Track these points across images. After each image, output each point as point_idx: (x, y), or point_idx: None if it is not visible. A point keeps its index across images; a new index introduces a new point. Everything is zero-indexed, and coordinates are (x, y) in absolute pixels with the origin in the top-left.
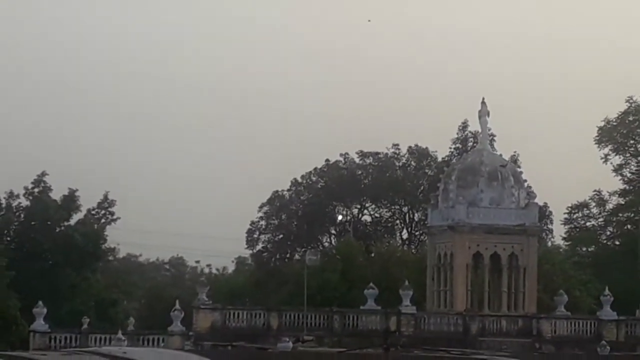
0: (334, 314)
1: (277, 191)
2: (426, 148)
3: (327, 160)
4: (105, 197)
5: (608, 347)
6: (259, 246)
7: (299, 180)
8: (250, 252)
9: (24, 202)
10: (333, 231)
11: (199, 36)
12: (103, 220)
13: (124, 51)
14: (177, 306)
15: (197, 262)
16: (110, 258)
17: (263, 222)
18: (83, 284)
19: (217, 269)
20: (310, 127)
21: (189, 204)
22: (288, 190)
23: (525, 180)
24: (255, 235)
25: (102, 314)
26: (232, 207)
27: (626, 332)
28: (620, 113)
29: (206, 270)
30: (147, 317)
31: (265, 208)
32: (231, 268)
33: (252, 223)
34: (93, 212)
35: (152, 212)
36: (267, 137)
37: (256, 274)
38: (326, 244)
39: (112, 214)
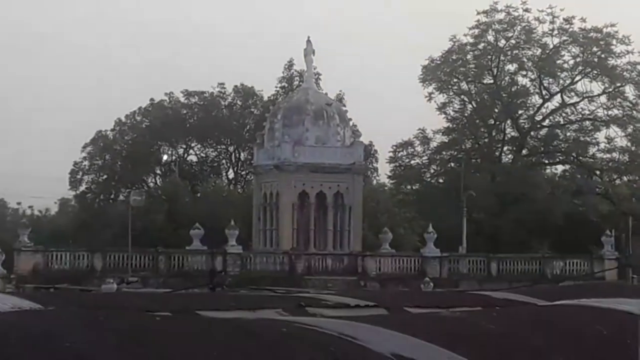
0: (159, 255)
1: (100, 131)
2: (252, 87)
3: (151, 99)
4: None
5: (431, 284)
6: (83, 187)
7: (123, 120)
8: (74, 193)
9: None
10: (158, 171)
11: None
12: None
13: None
14: None
15: (19, 203)
16: None
17: (86, 163)
18: None
19: (40, 211)
20: (134, 66)
21: (9, 144)
22: (112, 130)
23: (351, 119)
24: (79, 176)
25: None
26: (54, 148)
27: (449, 269)
28: (444, 52)
29: (28, 212)
30: None
31: (89, 148)
32: (54, 210)
33: (76, 164)
34: None
35: None
36: (89, 76)
37: (80, 216)
38: (151, 185)
39: None
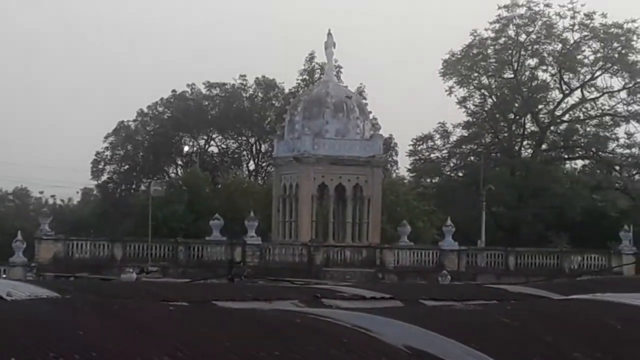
0: (179, 245)
1: (122, 121)
2: (273, 79)
3: (173, 90)
4: None
5: (449, 277)
6: (105, 177)
7: (145, 110)
8: (96, 182)
9: None
10: (179, 162)
11: None
12: None
13: None
14: (19, 237)
15: (41, 192)
16: None
17: (108, 153)
18: None
19: (62, 200)
20: (157, 57)
21: (33, 134)
22: (134, 120)
23: (371, 112)
24: (101, 166)
25: None
26: (77, 138)
27: (467, 262)
28: (464, 46)
29: (50, 201)
30: None
31: (111, 138)
32: (76, 199)
33: (98, 154)
34: None
35: None
36: (112, 66)
37: (102, 205)
38: (172, 175)
39: None
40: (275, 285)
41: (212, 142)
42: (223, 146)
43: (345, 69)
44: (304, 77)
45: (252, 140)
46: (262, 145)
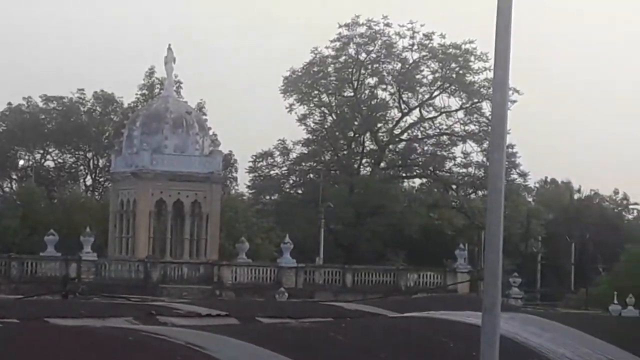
0: (12, 261)
1: None
2: (112, 94)
3: (9, 103)
4: None
5: (286, 294)
6: None
7: None
8: None
9: None
10: (14, 176)
11: None
12: None
13: None
14: None
15: None
16: None
17: None
18: None
19: None
20: None
21: None
22: None
23: (210, 128)
24: None
25: None
26: None
27: (305, 279)
28: (305, 64)
29: None
30: None
31: None
32: None
33: None
34: None
35: None
36: None
37: None
38: (7, 190)
39: None
40: (110, 302)
41: (48, 157)
42: (60, 160)
43: (185, 84)
44: (144, 91)
45: (90, 155)
46: (100, 160)
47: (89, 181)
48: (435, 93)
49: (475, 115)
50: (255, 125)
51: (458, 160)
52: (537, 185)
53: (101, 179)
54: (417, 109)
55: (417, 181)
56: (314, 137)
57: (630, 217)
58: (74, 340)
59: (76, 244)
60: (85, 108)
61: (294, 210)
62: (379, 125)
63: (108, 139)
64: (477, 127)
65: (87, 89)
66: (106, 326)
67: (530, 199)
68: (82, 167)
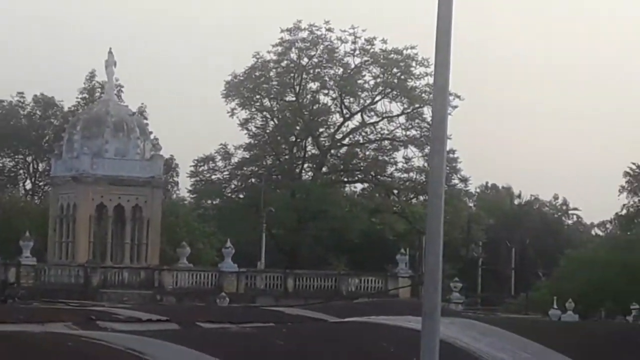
0: None
1: None
2: (52, 97)
3: None
4: None
5: (227, 299)
6: None
7: None
8: None
9: None
10: None
11: None
12: None
13: None
14: None
15: None
16: None
17: None
18: None
19: None
20: None
21: None
22: None
23: (152, 132)
24: None
25: None
26: None
27: (246, 284)
28: (247, 68)
29: None
30: None
31: None
32: None
33: None
34: None
35: None
36: None
37: None
38: None
39: None
40: (49, 307)
41: None
42: None
43: (126, 88)
44: (84, 95)
45: (30, 158)
46: (40, 164)
47: (28, 185)
48: (377, 98)
49: (417, 121)
50: (196, 129)
51: (399, 165)
52: (477, 190)
53: (41, 183)
54: (359, 114)
55: (359, 186)
56: (256, 142)
57: (569, 222)
58: (11, 346)
59: (15, 248)
60: (25, 111)
61: (235, 215)
62: (320, 130)
63: (48, 143)
64: (418, 132)
65: (27, 92)
66: (45, 331)
67: (471, 204)
68: (21, 171)
